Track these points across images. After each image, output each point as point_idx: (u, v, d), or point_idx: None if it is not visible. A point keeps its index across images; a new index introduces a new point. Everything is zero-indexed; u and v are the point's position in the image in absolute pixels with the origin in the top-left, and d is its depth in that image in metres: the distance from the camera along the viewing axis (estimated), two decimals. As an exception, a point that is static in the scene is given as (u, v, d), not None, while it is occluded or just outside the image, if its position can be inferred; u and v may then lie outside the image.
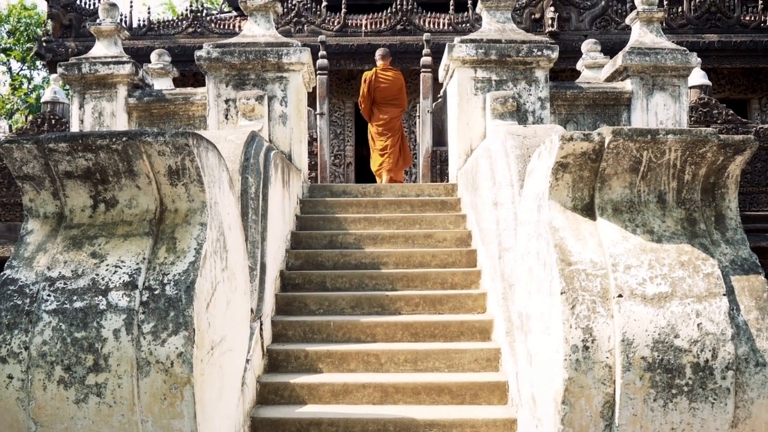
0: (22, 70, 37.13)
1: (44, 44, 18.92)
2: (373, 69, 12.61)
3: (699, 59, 10.37)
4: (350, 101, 19.98)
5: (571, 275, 4.10)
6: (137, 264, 4.05)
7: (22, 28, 35.61)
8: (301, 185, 9.88)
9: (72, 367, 3.86)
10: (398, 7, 18.72)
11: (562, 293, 4.05)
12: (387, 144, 12.43)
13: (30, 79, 37.17)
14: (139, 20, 19.35)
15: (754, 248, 5.18)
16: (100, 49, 10.64)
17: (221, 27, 19.24)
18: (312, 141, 13.16)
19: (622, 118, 10.38)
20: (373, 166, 12.83)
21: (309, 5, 18.86)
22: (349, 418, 5.66)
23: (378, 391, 6.01)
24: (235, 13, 20.94)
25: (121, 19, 16.83)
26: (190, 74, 17.88)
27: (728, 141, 4.13)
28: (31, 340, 3.89)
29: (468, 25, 18.28)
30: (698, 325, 3.92)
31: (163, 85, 12.74)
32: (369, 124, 12.89)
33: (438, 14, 19.14)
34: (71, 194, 4.23)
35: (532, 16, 18.50)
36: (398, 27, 18.67)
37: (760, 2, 18.82)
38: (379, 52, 12.61)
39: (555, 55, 9.73)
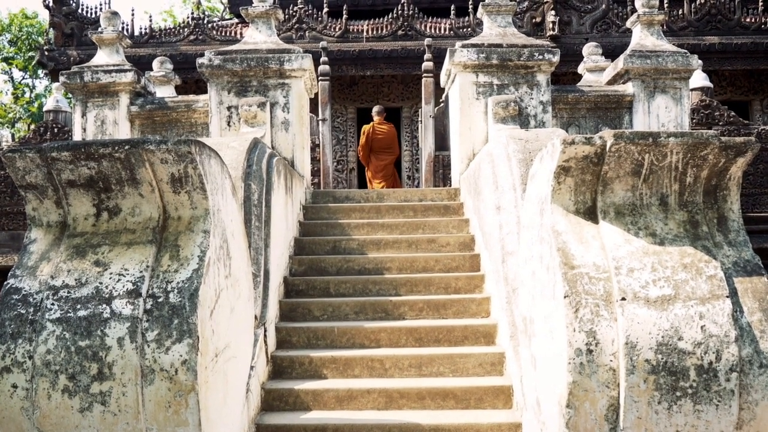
0: (24, 78, 37.24)
1: (46, 53, 18.96)
2: (371, 123, 14.63)
3: (700, 61, 10.36)
4: (352, 107, 20.01)
5: (574, 279, 4.10)
6: (141, 272, 4.06)
7: (23, 37, 35.72)
8: (304, 191, 9.89)
9: (76, 375, 3.86)
10: (399, 12, 18.73)
11: (565, 297, 4.05)
12: (382, 188, 14.19)
13: (32, 88, 37.27)
14: (140, 28, 19.38)
15: (757, 250, 5.18)
16: (101, 57, 10.67)
17: (223, 34, 19.26)
18: (314, 147, 13.17)
19: (623, 121, 10.38)
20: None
21: (310, 11, 18.88)
22: (354, 424, 5.66)
23: (383, 396, 6.01)
24: (236, 20, 20.98)
25: (122, 28, 16.92)
26: (192, 81, 17.90)
27: (730, 143, 4.13)
28: (36, 349, 3.90)
29: (469, 29, 18.28)
30: (702, 327, 3.92)
31: (165, 92, 12.76)
32: (366, 170, 15.15)
33: (439, 19, 19.15)
34: (74, 203, 4.24)
35: (533, 20, 18.50)
36: (399, 32, 18.68)
37: (761, 4, 18.81)
38: (375, 109, 14.72)
39: (556, 58, 9.74)
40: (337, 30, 18.81)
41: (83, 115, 10.52)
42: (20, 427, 3.91)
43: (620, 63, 10.28)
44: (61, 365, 3.87)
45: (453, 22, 18.70)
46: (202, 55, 10.05)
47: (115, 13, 10.76)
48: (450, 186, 11.31)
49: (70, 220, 4.29)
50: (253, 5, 10.16)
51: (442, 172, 13.42)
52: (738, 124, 12.55)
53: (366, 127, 14.73)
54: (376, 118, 14.63)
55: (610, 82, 10.82)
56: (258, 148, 7.70)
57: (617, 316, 3.98)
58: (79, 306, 3.96)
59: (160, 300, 3.98)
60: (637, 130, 4.17)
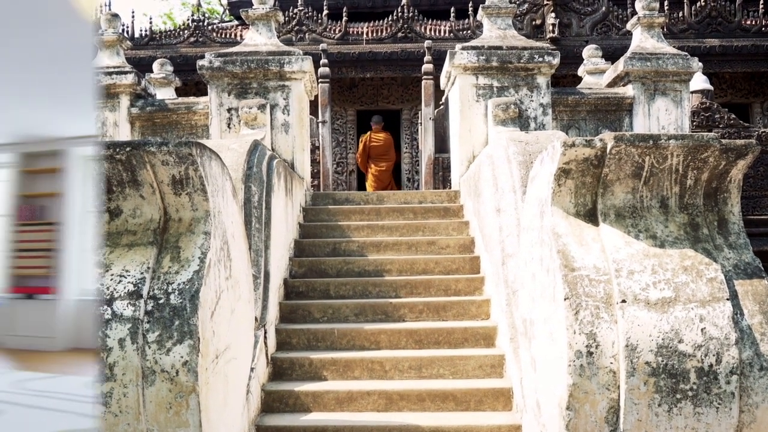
0: (24, 80, 37.16)
1: (47, 55, 18.90)
2: (368, 132, 15.66)
3: (700, 64, 10.36)
4: (352, 109, 20.00)
5: (575, 281, 4.10)
6: (142, 273, 4.06)
7: (24, 39, 35.65)
8: (304, 193, 9.90)
9: (77, 376, 3.87)
10: (399, 14, 18.71)
11: (565, 299, 4.06)
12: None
13: (32, 90, 37.17)
14: (140, 30, 19.35)
15: (758, 252, 5.18)
16: (102, 59, 10.68)
17: (223, 36, 19.25)
18: (314, 149, 13.17)
19: (624, 124, 10.39)
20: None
21: (310, 14, 18.87)
22: (354, 426, 5.66)
23: (383, 398, 6.01)
24: (236, 22, 20.96)
25: (122, 30, 16.93)
26: (192, 83, 17.88)
27: (730, 145, 4.14)
28: (37, 350, 3.90)
29: (469, 32, 18.27)
30: (702, 329, 3.93)
31: (165, 94, 12.76)
32: (365, 176, 15.93)
33: (439, 21, 19.14)
34: (75, 204, 4.25)
35: (533, 23, 18.49)
36: (399, 34, 18.67)
37: (761, 6, 18.81)
38: (373, 119, 15.62)
39: (556, 61, 9.75)
40: (336, 32, 18.80)
41: (83, 116, 10.51)
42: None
43: (620, 65, 10.28)
44: (61, 366, 3.88)
45: (453, 24, 18.68)
46: (202, 57, 10.05)
47: (115, 15, 10.78)
48: (450, 188, 11.31)
49: (71, 221, 4.29)
50: (253, 7, 10.17)
51: (441, 174, 13.42)
52: (738, 127, 12.53)
53: (363, 136, 15.83)
54: (374, 127, 15.54)
55: (611, 85, 10.82)
56: (258, 150, 7.71)
57: (617, 318, 3.99)
58: (79, 307, 3.97)
59: (161, 301, 3.99)
60: (638, 133, 4.18)
